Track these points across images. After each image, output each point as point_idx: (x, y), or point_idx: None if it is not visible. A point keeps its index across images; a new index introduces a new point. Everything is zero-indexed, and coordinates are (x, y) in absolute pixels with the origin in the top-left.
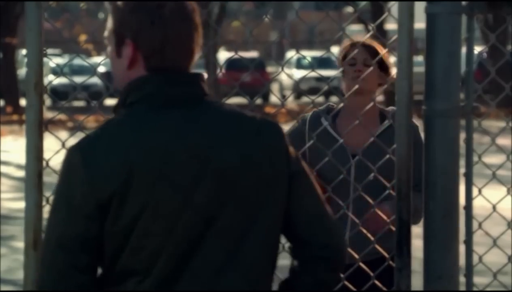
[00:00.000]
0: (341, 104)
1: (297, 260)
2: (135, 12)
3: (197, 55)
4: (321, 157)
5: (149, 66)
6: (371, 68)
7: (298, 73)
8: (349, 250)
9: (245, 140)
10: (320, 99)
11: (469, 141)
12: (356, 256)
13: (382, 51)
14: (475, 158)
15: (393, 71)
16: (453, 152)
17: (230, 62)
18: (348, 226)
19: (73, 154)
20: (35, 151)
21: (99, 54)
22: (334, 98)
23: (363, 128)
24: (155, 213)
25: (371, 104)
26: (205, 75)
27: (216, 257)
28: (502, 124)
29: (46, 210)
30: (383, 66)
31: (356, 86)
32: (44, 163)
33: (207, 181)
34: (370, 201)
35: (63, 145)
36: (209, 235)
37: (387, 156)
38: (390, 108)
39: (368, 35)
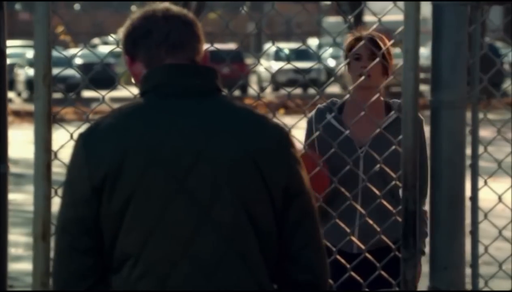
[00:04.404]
0: (345, 98)
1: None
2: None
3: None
4: (329, 151)
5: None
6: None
7: (277, 66)
8: (355, 240)
9: (243, 136)
10: (298, 91)
11: (474, 132)
12: (363, 247)
13: (386, 42)
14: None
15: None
16: (459, 143)
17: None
18: (357, 217)
19: (77, 140)
20: (43, 143)
21: (76, 46)
22: (311, 91)
23: (370, 121)
24: (146, 197)
25: (377, 95)
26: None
27: (214, 245)
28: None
29: (55, 201)
30: (386, 58)
31: (362, 78)
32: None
33: (201, 169)
34: (377, 192)
35: (71, 136)
36: (205, 223)
37: (393, 147)
38: (394, 100)
39: (374, 27)
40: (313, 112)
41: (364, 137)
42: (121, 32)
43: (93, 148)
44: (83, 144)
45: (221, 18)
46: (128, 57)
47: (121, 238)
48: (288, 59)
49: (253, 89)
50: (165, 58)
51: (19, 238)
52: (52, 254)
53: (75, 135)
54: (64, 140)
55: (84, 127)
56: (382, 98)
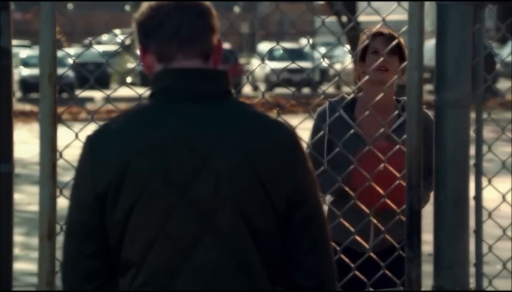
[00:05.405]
0: (356, 95)
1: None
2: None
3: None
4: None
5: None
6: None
7: (270, 65)
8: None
9: (244, 141)
10: (292, 91)
11: (479, 131)
12: (367, 246)
13: (401, 39)
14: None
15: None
16: (463, 142)
17: None
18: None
19: (84, 144)
20: (49, 142)
21: (70, 45)
22: (306, 90)
23: (382, 119)
24: (148, 206)
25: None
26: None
27: (215, 256)
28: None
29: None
30: (404, 58)
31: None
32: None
33: (204, 178)
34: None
35: (76, 136)
36: (207, 232)
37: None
38: (404, 98)
39: (378, 27)
40: (325, 105)
41: (375, 135)
42: (134, 20)
43: (97, 154)
44: (89, 149)
45: (224, 18)
46: (141, 48)
47: (125, 245)
48: (292, 59)
49: (258, 89)
50: (176, 52)
51: (15, 238)
52: (57, 254)
53: (79, 136)
54: (63, 140)
55: (92, 129)
56: (394, 97)
